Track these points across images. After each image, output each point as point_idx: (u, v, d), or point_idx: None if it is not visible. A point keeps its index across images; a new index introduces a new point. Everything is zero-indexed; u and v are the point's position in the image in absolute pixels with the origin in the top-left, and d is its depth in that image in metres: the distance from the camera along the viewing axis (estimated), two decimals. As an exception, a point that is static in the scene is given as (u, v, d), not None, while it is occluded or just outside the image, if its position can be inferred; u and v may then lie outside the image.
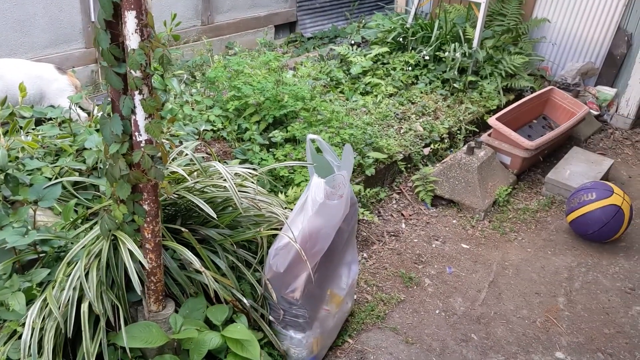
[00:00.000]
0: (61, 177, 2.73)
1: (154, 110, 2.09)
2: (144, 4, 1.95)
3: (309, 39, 6.95)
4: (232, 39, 6.34)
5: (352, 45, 5.50)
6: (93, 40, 2.03)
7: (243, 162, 3.34)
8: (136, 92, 2.04)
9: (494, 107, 5.11)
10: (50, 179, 2.73)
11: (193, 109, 3.64)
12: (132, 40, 1.95)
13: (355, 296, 3.12)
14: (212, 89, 3.85)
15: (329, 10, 7.44)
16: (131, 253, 2.23)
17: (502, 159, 4.51)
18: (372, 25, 5.79)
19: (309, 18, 7.21)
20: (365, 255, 3.55)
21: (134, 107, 2.06)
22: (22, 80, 3.38)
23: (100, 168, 2.81)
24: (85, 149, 2.96)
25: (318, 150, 2.88)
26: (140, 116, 2.07)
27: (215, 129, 3.55)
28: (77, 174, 2.80)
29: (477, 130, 4.96)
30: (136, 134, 2.10)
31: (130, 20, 1.93)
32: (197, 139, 3.28)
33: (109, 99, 2.14)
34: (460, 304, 3.27)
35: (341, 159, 2.77)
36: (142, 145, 2.11)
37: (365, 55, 5.14)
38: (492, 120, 4.54)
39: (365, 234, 3.66)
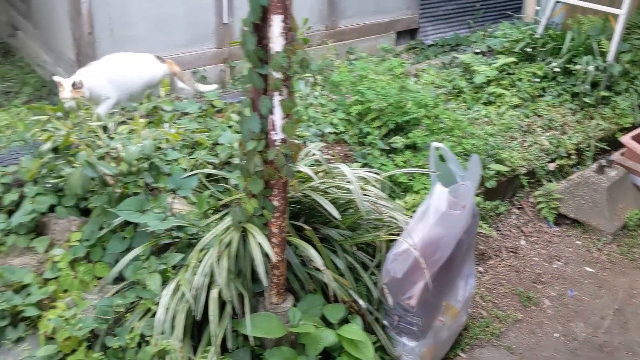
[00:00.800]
0: (196, 169, 2.91)
1: (290, 110, 2.18)
2: (290, 9, 2.04)
3: (429, 46, 6.87)
4: (354, 44, 6.41)
5: (476, 53, 5.38)
6: (241, 41, 2.14)
7: (363, 165, 3.38)
8: (276, 93, 2.13)
9: (628, 125, 4.78)
10: (185, 170, 2.92)
11: (317, 111, 3.73)
12: (277, 43, 2.05)
13: (469, 310, 3.05)
14: (335, 93, 3.93)
15: (451, 18, 7.31)
16: (259, 245, 2.33)
17: (635, 180, 4.20)
18: (498, 35, 5.63)
19: (430, 25, 7.14)
20: (481, 269, 3.46)
21: (273, 107, 2.15)
22: (135, 73, 3.75)
23: (231, 163, 2.96)
24: (217, 143, 3.14)
25: (441, 158, 2.86)
26: (277, 116, 2.17)
27: (337, 131, 3.62)
28: (210, 167, 2.96)
29: (608, 148, 4.66)
30: (272, 132, 2.20)
31: (276, 23, 2.02)
32: (321, 141, 3.37)
33: (249, 99, 2.25)
34: (582, 330, 3.10)
35: (466, 169, 2.73)
36: (277, 143, 2.21)
37: (490, 65, 5.01)
38: (626, 139, 4.26)
39: (482, 247, 3.57)
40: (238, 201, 2.63)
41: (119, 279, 2.66)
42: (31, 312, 2.45)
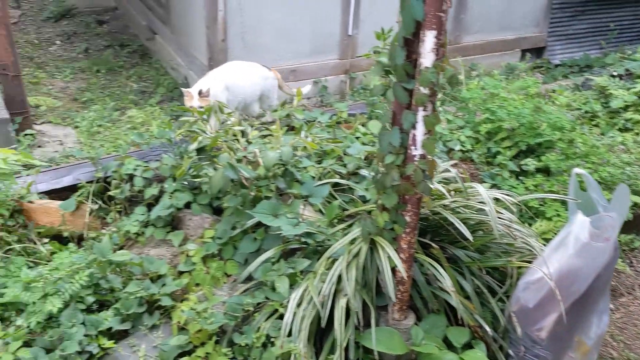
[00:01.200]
0: (324, 178, 2.96)
1: (433, 127, 2.15)
2: (445, 25, 2.02)
3: (556, 66, 6.58)
4: (476, 61, 6.27)
5: (612, 76, 5.08)
6: (389, 55, 2.15)
7: (491, 186, 3.28)
8: (420, 108, 2.11)
9: None
10: (313, 178, 2.98)
11: (443, 127, 3.68)
12: (427, 59, 2.03)
13: (599, 349, 2.86)
14: (463, 109, 3.85)
15: (582, 37, 6.96)
16: (388, 259, 2.32)
17: None
18: (638, 57, 5.28)
19: (559, 44, 6.83)
20: (612, 306, 3.23)
21: (416, 122, 2.14)
22: (250, 81, 3.93)
23: (358, 174, 2.98)
24: (345, 154, 3.17)
25: (581, 185, 2.71)
26: (419, 131, 2.15)
27: (464, 149, 3.54)
28: (337, 176, 3.00)
29: None
30: (412, 147, 2.19)
31: (429, 39, 2.00)
32: (448, 159, 3.31)
33: (390, 112, 2.25)
34: None
35: (610, 200, 2.57)
36: (416, 159, 2.19)
37: (628, 89, 4.70)
38: None
39: (614, 283, 3.34)
40: (364, 213, 2.64)
41: (247, 278, 2.76)
42: (166, 301, 2.59)
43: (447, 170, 2.76)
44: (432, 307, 2.56)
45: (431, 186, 2.48)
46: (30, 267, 2.68)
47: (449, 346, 2.48)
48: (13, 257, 2.70)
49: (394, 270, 2.37)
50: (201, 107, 3.32)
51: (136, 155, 3.45)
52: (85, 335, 2.37)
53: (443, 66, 2.07)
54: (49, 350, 2.27)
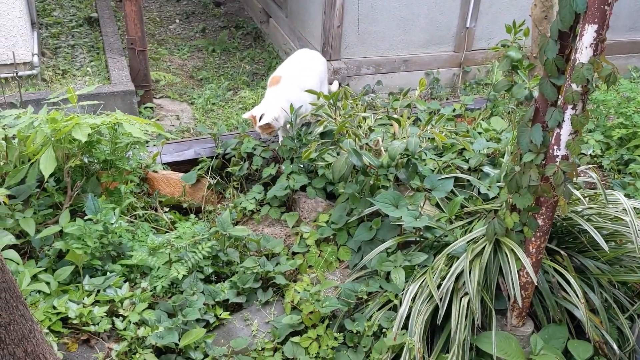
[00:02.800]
0: (443, 172, 2.88)
1: (581, 127, 2.02)
2: (608, 20, 1.88)
3: (689, 71, 6.06)
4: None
5: None
6: (539, 50, 2.04)
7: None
8: (569, 106, 1.99)
9: None
10: (432, 171, 2.91)
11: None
12: (584, 54, 1.91)
13: None
14: (594, 112, 3.63)
15: None
16: (516, 262, 2.23)
17: None
18: None
19: (694, 48, 6.29)
20: None
21: (562, 120, 2.02)
22: (323, 70, 3.63)
23: (481, 171, 2.88)
24: (464, 149, 3.08)
25: None
26: (565, 131, 2.03)
27: (592, 154, 3.34)
28: (457, 171, 2.91)
29: None
30: (555, 147, 2.07)
31: (588, 33, 1.88)
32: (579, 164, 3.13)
33: (533, 108, 2.14)
34: None
35: None
36: (557, 160, 2.07)
37: None
38: None
39: None
40: (486, 212, 2.55)
41: (361, 267, 2.74)
42: (280, 280, 2.63)
43: (582, 174, 2.61)
44: (553, 317, 2.43)
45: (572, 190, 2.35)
46: (155, 234, 2.80)
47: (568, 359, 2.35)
48: (140, 223, 2.83)
49: (518, 273, 2.27)
50: (265, 134, 3.26)
51: (254, 135, 3.53)
52: (204, 304, 2.45)
53: (600, 63, 1.93)
54: (170, 315, 2.37)
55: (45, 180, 2.62)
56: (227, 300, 2.56)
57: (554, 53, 1.99)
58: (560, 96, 2.03)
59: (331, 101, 2.62)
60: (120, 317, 2.28)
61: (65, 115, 2.56)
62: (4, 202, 2.37)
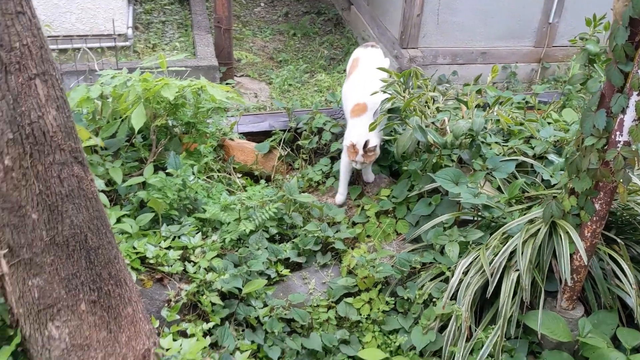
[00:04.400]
0: (507, 157, 2.93)
1: (644, 114, 2.05)
2: (682, 6, 1.90)
3: None
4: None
5: None
6: (609, 37, 2.07)
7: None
8: (635, 93, 2.02)
9: None
10: (497, 155, 2.96)
11: None
12: (653, 40, 1.93)
13: None
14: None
15: None
16: (570, 244, 2.27)
17: None
18: None
19: None
20: None
21: (626, 106, 2.05)
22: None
23: (546, 158, 2.90)
24: (531, 137, 3.11)
25: None
26: (629, 117, 2.06)
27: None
28: (521, 157, 2.95)
29: None
30: (617, 133, 2.10)
31: (659, 20, 1.90)
32: None
33: (599, 93, 2.18)
34: None
35: None
36: (619, 145, 2.10)
37: None
38: None
39: None
40: (545, 197, 2.58)
41: (414, 239, 2.86)
42: (339, 245, 2.78)
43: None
44: (604, 303, 2.46)
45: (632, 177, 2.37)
46: (227, 194, 3.02)
47: (616, 347, 2.37)
48: (215, 182, 3.06)
49: (571, 257, 2.31)
50: (364, 164, 2.93)
51: (325, 112, 3.69)
52: (267, 259, 2.64)
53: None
54: (236, 266, 2.57)
55: (134, 136, 2.89)
56: (288, 259, 2.74)
57: (624, 39, 2.02)
58: (626, 83, 2.06)
59: (402, 80, 2.73)
60: (191, 263, 2.50)
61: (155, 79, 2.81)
62: (99, 148, 2.64)
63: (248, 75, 5.51)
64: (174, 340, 2.10)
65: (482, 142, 2.82)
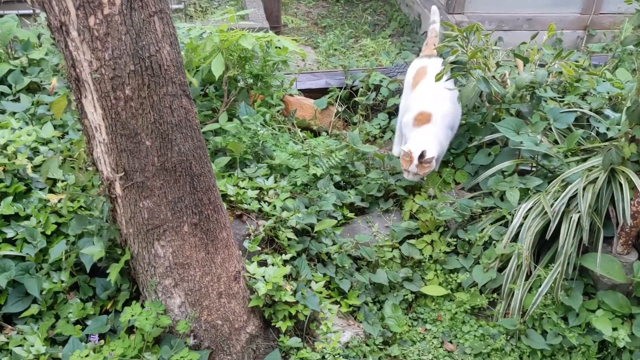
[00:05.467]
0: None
1: None
2: None
3: None
4: None
5: None
6: None
7: None
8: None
9: None
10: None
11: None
12: None
13: None
14: None
15: None
16: (630, 190, 2.39)
17: None
18: None
19: None
20: None
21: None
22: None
23: (602, 113, 3.00)
24: (585, 94, 3.20)
25: None
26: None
27: None
28: (579, 113, 3.06)
29: None
30: (682, 81, 2.20)
31: None
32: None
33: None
34: None
35: None
36: (683, 93, 2.20)
37: None
38: None
39: None
40: (601, 149, 2.69)
41: (472, 189, 3.00)
42: (401, 192, 2.93)
43: None
44: (659, 249, 2.58)
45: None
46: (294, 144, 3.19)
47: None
48: (281, 133, 3.22)
49: (630, 202, 2.43)
50: (417, 175, 2.79)
51: (380, 71, 3.82)
52: (333, 204, 2.81)
53: None
54: (306, 207, 2.74)
55: (207, 86, 3.06)
56: (353, 203, 2.91)
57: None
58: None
59: (464, 34, 2.84)
60: (266, 203, 2.68)
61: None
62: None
63: (295, 40, 5.64)
64: (259, 267, 2.29)
65: (543, 95, 2.92)
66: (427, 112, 2.88)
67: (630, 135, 2.43)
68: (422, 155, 2.71)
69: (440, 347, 2.53)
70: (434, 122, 2.87)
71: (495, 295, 2.60)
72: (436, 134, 2.87)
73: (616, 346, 2.37)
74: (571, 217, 2.48)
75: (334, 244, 2.66)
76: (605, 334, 2.36)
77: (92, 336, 2.05)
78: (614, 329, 2.38)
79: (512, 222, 2.60)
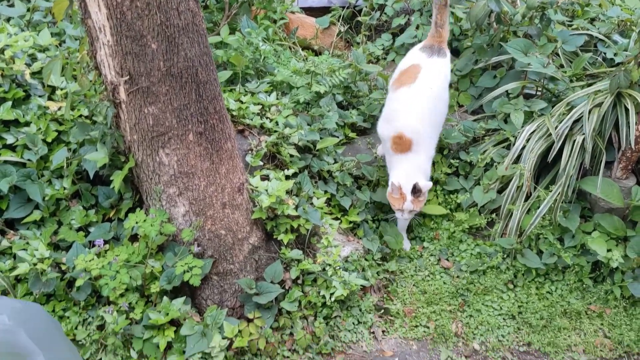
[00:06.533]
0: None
1: None
2: None
3: None
4: None
5: None
6: None
7: None
8: None
9: None
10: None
11: None
12: None
13: None
14: None
15: None
16: (634, 113, 2.39)
17: None
18: None
19: None
20: None
21: None
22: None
23: (610, 38, 2.96)
24: (593, 19, 3.14)
25: None
26: None
27: None
28: (587, 37, 3.01)
29: None
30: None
31: None
32: None
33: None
34: None
35: None
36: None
37: None
38: None
39: None
40: (607, 74, 2.67)
41: (475, 111, 2.98)
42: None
43: None
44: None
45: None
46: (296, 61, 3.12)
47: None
48: (282, 50, 3.15)
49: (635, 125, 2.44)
50: (413, 211, 2.40)
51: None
52: (335, 124, 2.78)
53: None
54: (308, 124, 2.72)
55: (208, -2, 2.95)
56: (355, 124, 2.88)
57: None
58: None
59: (476, -50, 2.74)
60: (268, 119, 2.64)
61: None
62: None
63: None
64: (262, 180, 2.29)
65: (552, 16, 2.86)
66: (407, 138, 2.36)
67: (639, 59, 2.41)
68: (415, 189, 2.29)
69: (437, 264, 2.59)
70: (415, 152, 2.36)
71: (493, 215, 2.64)
72: (420, 165, 2.40)
73: (609, 267, 2.43)
74: (574, 140, 2.48)
75: (336, 162, 2.65)
76: (599, 255, 2.41)
77: (97, 241, 2.05)
78: (609, 250, 2.44)
79: (514, 144, 2.60)
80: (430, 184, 2.35)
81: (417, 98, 2.40)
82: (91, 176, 2.14)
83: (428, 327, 2.36)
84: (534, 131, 2.59)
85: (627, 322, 2.41)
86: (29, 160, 2.19)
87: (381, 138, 2.55)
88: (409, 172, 2.32)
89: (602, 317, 2.43)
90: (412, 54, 2.60)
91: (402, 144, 2.37)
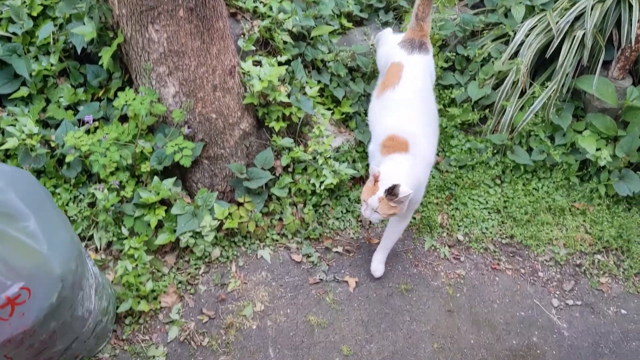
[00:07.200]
0: None
1: None
2: None
3: None
4: None
5: None
6: None
7: None
8: None
9: None
10: None
11: None
12: None
13: None
14: None
15: None
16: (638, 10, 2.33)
17: None
18: None
19: None
20: None
21: None
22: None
23: None
24: None
25: None
26: None
27: None
28: None
29: None
30: None
31: None
32: None
33: None
34: None
35: None
36: None
37: None
38: None
39: None
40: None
41: (475, 5, 2.89)
42: (403, 3, 2.81)
43: None
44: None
45: None
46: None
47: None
48: None
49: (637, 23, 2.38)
50: (376, 214, 1.95)
51: None
52: (332, 12, 2.69)
53: None
54: (303, 11, 2.62)
55: None
56: (351, 13, 2.79)
57: None
58: None
59: None
60: (261, 4, 2.55)
61: None
62: None
63: None
64: (254, 66, 2.24)
65: None
66: (403, 140, 2.03)
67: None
68: (392, 190, 1.89)
69: (427, 158, 2.60)
70: (412, 154, 2.02)
71: (487, 112, 2.63)
72: (414, 168, 2.02)
73: (597, 165, 2.46)
74: (574, 35, 2.43)
75: (330, 51, 2.59)
76: (588, 153, 2.43)
77: (86, 117, 2.03)
78: (598, 149, 2.45)
79: (513, 38, 2.54)
80: (411, 192, 1.88)
81: (408, 95, 2.11)
82: (79, 51, 2.08)
83: (414, 218, 2.41)
84: (534, 27, 2.53)
85: (609, 219, 2.47)
86: (14, 34, 2.12)
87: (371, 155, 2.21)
88: (398, 172, 1.97)
89: (585, 214, 2.49)
90: (391, 50, 2.25)
91: (395, 145, 2.04)
